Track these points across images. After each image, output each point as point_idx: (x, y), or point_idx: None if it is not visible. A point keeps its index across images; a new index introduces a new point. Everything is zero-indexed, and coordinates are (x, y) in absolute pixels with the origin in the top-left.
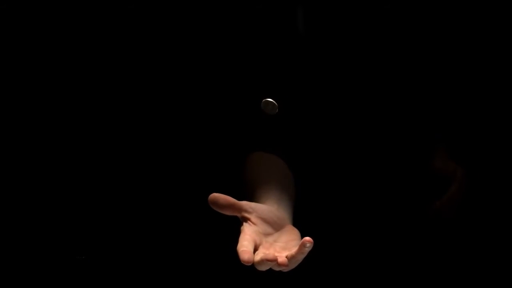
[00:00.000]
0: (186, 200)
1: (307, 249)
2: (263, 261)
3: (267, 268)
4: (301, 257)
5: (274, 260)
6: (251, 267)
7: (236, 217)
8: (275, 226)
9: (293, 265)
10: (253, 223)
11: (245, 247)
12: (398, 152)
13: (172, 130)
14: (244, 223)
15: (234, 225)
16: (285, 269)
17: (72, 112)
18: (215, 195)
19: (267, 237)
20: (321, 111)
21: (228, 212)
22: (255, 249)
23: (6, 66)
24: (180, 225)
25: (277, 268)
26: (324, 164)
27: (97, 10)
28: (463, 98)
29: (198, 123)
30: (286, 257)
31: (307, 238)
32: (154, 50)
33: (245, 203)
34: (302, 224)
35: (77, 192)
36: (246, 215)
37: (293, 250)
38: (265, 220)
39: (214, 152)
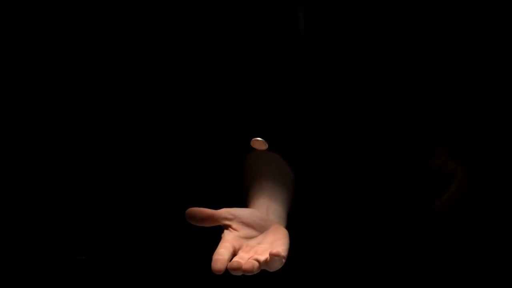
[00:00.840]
0: (186, 200)
1: (276, 262)
2: (230, 269)
3: (240, 274)
4: (274, 265)
5: (239, 268)
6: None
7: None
8: (259, 228)
9: (275, 268)
10: (234, 229)
11: (220, 255)
12: (399, 152)
13: (171, 128)
14: (225, 230)
15: None
16: (271, 270)
17: (71, 112)
18: (191, 210)
19: (250, 240)
20: (321, 111)
21: (207, 224)
22: (235, 254)
23: (6, 66)
24: (179, 226)
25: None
26: (325, 163)
27: (97, 10)
28: (463, 98)
29: (198, 121)
30: (265, 259)
31: (274, 251)
32: (153, 50)
33: (224, 211)
34: (302, 224)
35: (77, 192)
36: (227, 222)
37: (275, 249)
38: (248, 224)
39: (214, 151)
